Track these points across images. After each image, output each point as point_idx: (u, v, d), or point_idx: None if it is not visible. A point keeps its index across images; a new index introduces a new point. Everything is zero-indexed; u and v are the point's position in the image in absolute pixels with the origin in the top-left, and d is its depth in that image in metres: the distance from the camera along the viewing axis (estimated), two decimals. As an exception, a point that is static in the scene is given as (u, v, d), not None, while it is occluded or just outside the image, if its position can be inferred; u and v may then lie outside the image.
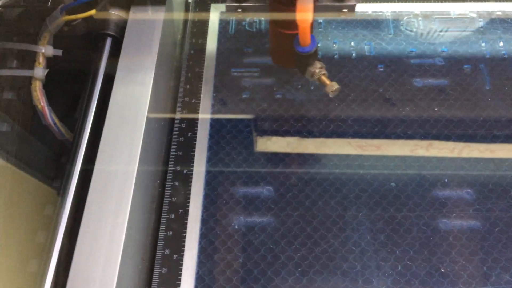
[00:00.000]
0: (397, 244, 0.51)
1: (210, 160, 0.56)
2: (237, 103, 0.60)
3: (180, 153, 0.57)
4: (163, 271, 0.50)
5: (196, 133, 0.58)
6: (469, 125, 0.58)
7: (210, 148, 0.57)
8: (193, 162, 0.56)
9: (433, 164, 0.56)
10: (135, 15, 0.58)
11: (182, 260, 0.50)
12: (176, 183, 0.55)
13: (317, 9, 0.51)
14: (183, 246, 0.51)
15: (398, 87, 0.61)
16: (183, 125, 0.59)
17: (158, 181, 0.55)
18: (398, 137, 0.57)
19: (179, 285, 0.49)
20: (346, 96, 0.60)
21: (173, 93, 0.62)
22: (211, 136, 0.58)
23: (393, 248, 0.51)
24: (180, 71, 0.63)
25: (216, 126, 0.59)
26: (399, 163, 0.56)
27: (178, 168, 0.56)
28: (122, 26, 0.58)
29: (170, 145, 0.58)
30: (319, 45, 0.65)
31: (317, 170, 0.56)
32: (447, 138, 0.57)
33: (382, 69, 0.63)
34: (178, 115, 0.60)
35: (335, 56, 0.64)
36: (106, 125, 0.50)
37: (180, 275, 0.50)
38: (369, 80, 0.62)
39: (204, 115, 0.60)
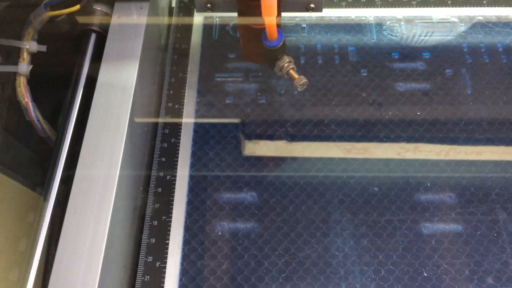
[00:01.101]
0: (380, 249, 0.51)
1: (193, 166, 0.56)
2: (221, 109, 0.60)
3: (164, 159, 0.57)
4: (146, 279, 0.49)
5: (179, 139, 0.58)
6: (451, 129, 0.58)
7: (193, 153, 0.57)
8: (176, 168, 0.56)
9: (416, 168, 0.56)
10: (119, 12, 0.58)
11: (165, 267, 0.50)
12: (159, 190, 0.55)
13: (284, 4, 0.52)
14: (166, 253, 0.51)
15: (382, 91, 0.61)
16: (167, 131, 0.59)
17: (141, 188, 0.55)
18: (384, 140, 0.58)
19: (162, 292, 0.49)
20: (330, 100, 0.61)
21: (157, 98, 0.61)
22: (195, 141, 0.58)
23: (376, 253, 0.51)
24: (164, 76, 0.63)
25: (199, 131, 0.59)
26: (383, 166, 0.56)
27: (162, 174, 0.56)
28: (106, 22, 0.58)
29: (153, 151, 0.57)
30: (302, 49, 0.65)
31: (302, 174, 0.56)
32: (432, 141, 0.57)
33: (365, 74, 0.63)
34: (161, 121, 0.59)
35: (319, 61, 0.64)
36: (88, 130, 0.50)
37: (163, 282, 0.49)
38: (353, 85, 0.62)
39: (188, 120, 0.60)
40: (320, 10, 0.53)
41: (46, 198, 0.49)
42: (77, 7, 0.56)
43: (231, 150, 0.57)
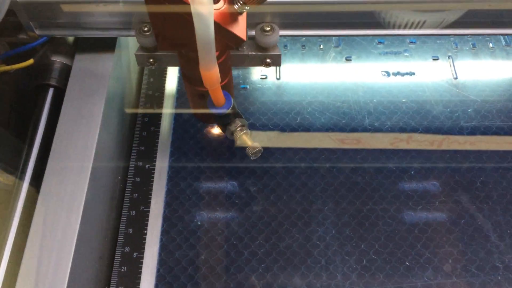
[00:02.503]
0: (363, 238, 0.50)
1: (173, 155, 0.55)
2: (202, 97, 0.59)
3: (142, 148, 0.55)
4: (122, 270, 0.48)
5: (159, 128, 0.57)
6: (437, 117, 0.57)
7: (173, 143, 0.56)
8: (155, 157, 0.55)
9: (400, 156, 0.55)
10: (80, 64, 0.52)
11: (142, 258, 0.49)
12: (138, 179, 0.53)
13: (238, 59, 0.48)
14: (144, 243, 0.50)
15: (367, 78, 0.60)
16: (146, 119, 0.57)
17: (119, 177, 0.53)
18: (376, 130, 0.56)
19: (139, 283, 0.48)
20: (316, 90, 0.59)
21: (136, 86, 0.60)
22: (175, 130, 0.57)
23: (358, 242, 0.50)
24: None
25: (179, 120, 0.57)
26: (366, 155, 0.55)
27: (140, 163, 0.54)
28: (66, 75, 0.52)
29: (132, 140, 0.56)
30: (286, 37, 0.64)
31: (284, 164, 0.55)
32: (427, 130, 0.56)
33: (350, 60, 0.62)
34: (141, 109, 0.58)
35: (302, 51, 0.63)
36: (60, 122, 0.48)
37: (140, 273, 0.48)
38: (338, 71, 0.61)
39: (168, 109, 0.58)
40: (278, 64, 0.48)
41: (18, 190, 0.48)
42: (31, 61, 0.50)
43: (211, 139, 0.56)
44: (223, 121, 0.46)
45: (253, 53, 0.47)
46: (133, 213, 0.51)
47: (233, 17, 0.40)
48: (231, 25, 0.40)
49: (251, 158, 0.47)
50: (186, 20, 0.36)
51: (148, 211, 0.51)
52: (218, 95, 0.43)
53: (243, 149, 0.55)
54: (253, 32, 0.47)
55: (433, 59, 0.62)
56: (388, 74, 0.61)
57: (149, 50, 0.48)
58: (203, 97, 0.45)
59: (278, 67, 0.61)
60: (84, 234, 0.44)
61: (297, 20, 0.49)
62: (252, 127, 0.57)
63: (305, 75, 0.61)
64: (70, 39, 0.55)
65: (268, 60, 0.48)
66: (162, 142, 0.56)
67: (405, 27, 0.50)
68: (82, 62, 0.52)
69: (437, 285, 0.47)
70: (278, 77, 0.61)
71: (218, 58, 0.42)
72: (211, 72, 0.39)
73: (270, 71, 0.61)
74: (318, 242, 0.50)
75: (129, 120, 0.57)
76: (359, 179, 0.53)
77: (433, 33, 0.51)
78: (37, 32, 0.50)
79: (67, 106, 0.49)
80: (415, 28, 0.50)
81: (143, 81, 0.60)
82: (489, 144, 0.55)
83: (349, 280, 0.48)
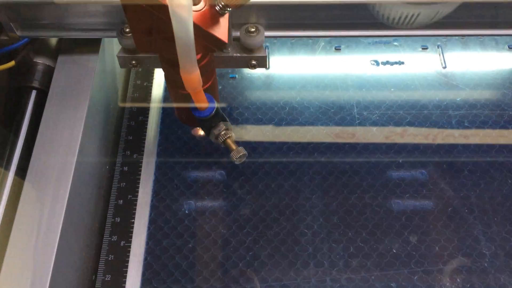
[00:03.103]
0: (350, 226, 0.50)
1: (161, 144, 0.55)
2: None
3: (131, 138, 0.55)
4: (109, 258, 0.48)
5: (147, 117, 0.57)
6: (426, 106, 0.57)
7: (161, 132, 0.56)
8: (143, 147, 0.55)
9: (388, 145, 0.55)
10: (63, 66, 0.50)
11: (129, 246, 0.49)
12: (126, 168, 0.53)
13: (223, 60, 0.47)
14: (131, 232, 0.50)
15: (356, 68, 0.60)
16: (134, 109, 0.57)
17: (107, 166, 0.53)
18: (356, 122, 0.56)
19: (126, 271, 0.48)
20: (306, 80, 0.59)
21: (125, 75, 0.60)
22: (163, 120, 0.57)
23: (346, 230, 0.50)
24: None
25: (168, 110, 0.57)
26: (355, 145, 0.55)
27: (128, 153, 0.54)
28: (49, 77, 0.51)
29: (120, 130, 0.56)
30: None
31: (272, 152, 0.55)
32: (421, 123, 0.56)
33: (339, 50, 0.62)
34: (129, 99, 0.58)
35: (292, 40, 0.63)
36: (42, 126, 0.47)
37: (128, 261, 0.48)
38: (327, 60, 0.61)
39: (157, 99, 0.58)
40: (264, 66, 0.47)
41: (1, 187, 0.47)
42: (12, 63, 0.49)
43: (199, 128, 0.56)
44: (207, 124, 0.45)
45: (238, 55, 0.47)
46: (121, 202, 0.51)
47: (214, 18, 0.39)
48: (212, 27, 0.39)
49: (236, 162, 0.46)
50: (165, 22, 0.35)
51: (136, 200, 0.51)
52: (200, 98, 0.42)
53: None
54: (238, 33, 0.46)
55: (422, 49, 0.62)
56: (377, 63, 0.61)
57: (131, 52, 0.47)
58: (186, 100, 0.43)
59: (267, 57, 0.61)
60: (70, 222, 0.44)
61: (283, 21, 0.48)
62: (241, 116, 0.57)
63: (294, 64, 0.61)
64: (53, 40, 0.54)
65: (254, 62, 0.47)
66: (150, 132, 0.56)
67: (398, 20, 0.50)
68: (66, 64, 0.51)
69: (424, 272, 0.48)
70: (267, 66, 0.61)
71: (200, 60, 0.41)
72: (192, 76, 0.38)
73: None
74: (305, 230, 0.50)
75: (116, 114, 0.57)
76: (347, 168, 0.53)
77: (425, 34, 0.50)
78: (18, 33, 0.48)
79: (50, 109, 0.48)
80: (409, 21, 0.50)
81: (130, 79, 0.60)
82: (483, 137, 0.55)
83: (336, 268, 0.48)
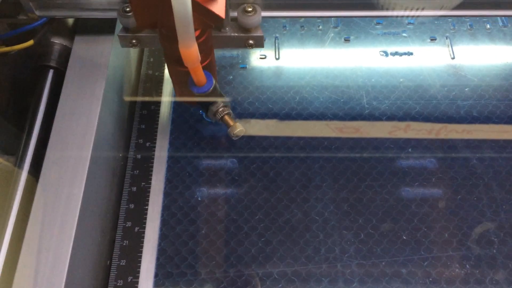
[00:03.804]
0: (360, 213, 0.51)
1: (173, 133, 0.56)
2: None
3: (143, 126, 0.56)
4: (124, 244, 0.49)
5: (159, 106, 0.57)
6: (434, 96, 0.58)
7: (173, 120, 0.56)
8: (156, 135, 0.55)
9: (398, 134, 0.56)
10: (80, 46, 0.52)
11: (143, 232, 0.50)
12: (139, 156, 0.54)
13: (221, 40, 0.48)
14: (145, 218, 0.50)
15: (365, 58, 0.61)
16: (147, 98, 0.58)
17: (120, 154, 0.54)
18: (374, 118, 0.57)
19: (140, 257, 0.48)
20: (315, 70, 0.60)
21: (136, 68, 0.61)
22: (175, 108, 0.57)
23: (356, 217, 0.51)
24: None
25: (180, 99, 0.58)
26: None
27: (141, 141, 0.55)
28: (66, 57, 0.52)
29: (133, 118, 0.57)
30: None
31: (282, 140, 0.55)
32: (424, 118, 0.57)
33: (349, 41, 0.62)
34: (141, 88, 0.58)
35: (301, 31, 0.63)
36: (61, 103, 0.48)
37: (142, 247, 0.49)
38: (337, 51, 0.61)
39: (168, 88, 0.59)
40: (261, 46, 0.48)
41: (19, 169, 0.48)
42: (31, 42, 0.50)
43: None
44: (206, 101, 0.46)
45: (235, 34, 0.48)
46: (134, 189, 0.52)
47: None
48: (210, 3, 0.40)
49: (233, 138, 0.47)
50: None
51: (149, 187, 0.52)
52: (198, 74, 0.43)
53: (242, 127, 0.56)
54: (236, 14, 0.47)
55: (431, 40, 0.62)
56: (386, 54, 0.61)
57: (131, 31, 0.48)
58: (185, 78, 0.44)
59: (277, 47, 0.62)
60: (87, 208, 0.45)
61: (281, 1, 0.48)
62: (252, 105, 0.57)
63: (303, 55, 0.61)
64: (70, 20, 0.55)
65: (251, 42, 0.48)
66: (162, 120, 0.56)
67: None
68: (82, 44, 0.52)
69: (433, 259, 0.48)
70: (277, 57, 0.61)
71: (198, 37, 0.43)
72: (190, 50, 0.39)
73: (269, 51, 0.62)
74: (316, 217, 0.51)
75: (129, 99, 0.58)
76: (357, 156, 0.54)
77: (432, 14, 0.51)
78: (37, 13, 0.50)
79: (67, 87, 0.49)
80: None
81: (143, 62, 0.60)
82: (487, 133, 0.56)
83: (347, 254, 0.49)
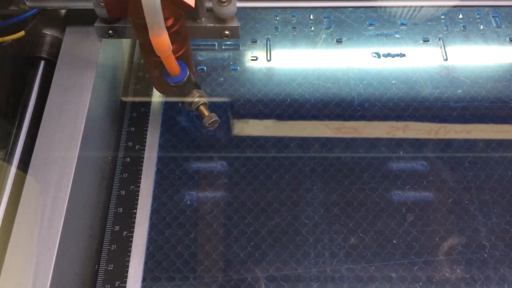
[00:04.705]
0: (350, 217, 0.50)
1: (163, 136, 0.55)
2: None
3: (133, 129, 0.56)
4: (112, 248, 0.49)
5: (149, 108, 0.57)
6: (427, 98, 0.57)
7: (163, 123, 0.56)
8: (145, 138, 0.55)
9: (389, 137, 0.55)
10: (71, 37, 0.52)
11: (132, 236, 0.49)
12: (128, 160, 0.54)
13: (196, 31, 0.48)
14: (134, 222, 0.50)
15: (358, 60, 0.60)
16: (136, 101, 0.58)
17: (110, 157, 0.54)
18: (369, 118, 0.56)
19: (128, 261, 0.48)
20: (307, 71, 0.60)
21: (128, 60, 0.60)
22: (165, 111, 0.57)
23: (346, 221, 0.50)
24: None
25: (170, 101, 0.57)
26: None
27: (130, 144, 0.55)
28: (57, 48, 0.52)
29: (122, 121, 0.56)
30: (277, 18, 0.64)
31: (273, 143, 0.55)
32: (423, 118, 0.56)
33: (341, 42, 0.62)
34: (131, 91, 0.58)
35: (293, 32, 0.63)
36: (51, 94, 0.48)
37: (130, 251, 0.49)
38: (329, 52, 0.61)
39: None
40: (237, 37, 0.48)
41: (8, 163, 0.48)
42: (22, 33, 0.50)
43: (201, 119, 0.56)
44: (181, 92, 0.46)
45: (211, 25, 0.48)
46: (123, 192, 0.52)
47: None
48: None
49: (208, 128, 0.47)
50: None
51: (138, 191, 0.52)
52: (171, 63, 0.43)
53: (231, 129, 0.56)
54: (211, 4, 0.47)
55: (424, 41, 0.62)
56: (378, 55, 0.61)
57: (108, 22, 0.48)
58: (160, 67, 0.44)
59: (269, 49, 0.61)
60: (73, 211, 0.44)
61: None
62: (243, 107, 0.57)
63: (295, 56, 0.61)
64: (62, 11, 0.55)
65: (227, 32, 0.48)
66: (152, 123, 0.56)
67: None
68: (73, 35, 0.52)
69: (424, 263, 0.48)
70: (268, 58, 0.61)
71: (171, 27, 0.43)
72: (160, 38, 0.39)
73: (261, 52, 0.61)
74: (306, 221, 0.50)
75: (120, 94, 0.57)
76: (348, 159, 0.54)
77: (434, 4, 0.50)
78: (28, 3, 0.50)
79: (58, 78, 0.49)
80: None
81: (135, 51, 0.60)
82: (485, 133, 0.55)
83: (337, 258, 0.48)
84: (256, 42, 0.62)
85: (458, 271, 0.47)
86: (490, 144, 0.54)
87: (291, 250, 0.49)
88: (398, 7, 0.59)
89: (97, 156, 0.51)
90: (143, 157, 0.54)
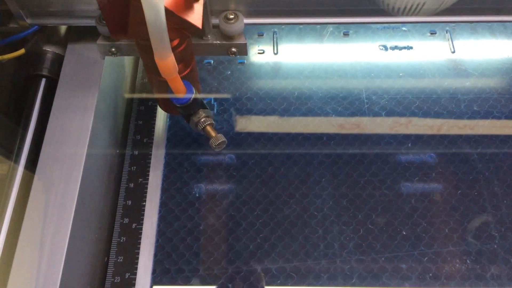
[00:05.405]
0: (360, 209, 0.50)
1: (171, 129, 0.55)
2: (200, 72, 0.59)
3: (140, 122, 0.56)
4: (121, 240, 0.49)
5: (156, 102, 0.57)
6: (435, 90, 0.57)
7: (171, 117, 0.56)
8: (153, 131, 0.55)
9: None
10: (72, 54, 0.51)
11: (141, 228, 0.49)
12: (136, 152, 0.54)
13: (202, 48, 0.47)
14: (143, 215, 0.50)
15: (365, 53, 0.60)
16: (143, 96, 0.58)
17: (118, 151, 0.54)
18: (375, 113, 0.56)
19: (138, 253, 0.48)
20: (314, 64, 0.59)
21: (132, 75, 0.60)
22: (173, 104, 0.57)
23: (355, 213, 0.50)
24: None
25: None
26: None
27: (138, 137, 0.55)
28: (58, 65, 0.51)
29: (130, 115, 0.56)
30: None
31: (281, 136, 0.55)
32: (425, 113, 0.56)
33: (348, 35, 0.62)
34: (138, 85, 0.58)
35: (300, 26, 0.63)
36: (53, 112, 0.47)
37: (139, 243, 0.49)
38: (336, 45, 0.61)
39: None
40: (245, 54, 0.47)
41: (12, 177, 0.48)
42: (22, 51, 0.49)
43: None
44: (187, 112, 0.45)
45: (218, 42, 0.46)
46: (132, 185, 0.52)
47: (187, 4, 0.39)
48: (185, 13, 0.38)
49: (215, 150, 0.46)
50: (137, 7, 0.34)
51: (147, 184, 0.52)
52: (177, 84, 0.41)
53: (240, 123, 0.56)
54: (217, 21, 0.46)
55: (431, 34, 0.62)
56: (385, 48, 0.61)
57: (110, 40, 0.47)
58: (165, 87, 0.43)
59: (275, 42, 0.61)
60: (83, 205, 0.44)
61: (263, 8, 0.47)
62: (250, 101, 0.57)
63: (302, 49, 0.61)
64: (63, 28, 0.54)
65: (234, 49, 0.47)
66: (160, 116, 0.56)
67: (403, 10, 0.49)
68: (75, 52, 0.51)
69: (434, 254, 0.48)
70: (275, 51, 0.61)
71: (177, 46, 0.42)
72: (166, 61, 0.38)
73: (268, 45, 0.61)
74: (315, 213, 0.50)
75: (126, 101, 0.57)
76: (356, 151, 0.53)
77: (431, 20, 0.50)
78: (28, 21, 0.49)
79: (60, 97, 0.48)
80: (414, 10, 0.49)
81: (138, 69, 0.60)
82: (489, 128, 0.55)
83: (346, 250, 0.48)
84: (262, 35, 0.62)
85: (468, 261, 0.47)
86: (498, 137, 0.54)
87: (300, 242, 0.49)
88: (406, 22, 0.58)
89: (105, 150, 0.51)
90: (151, 150, 0.54)
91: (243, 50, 0.47)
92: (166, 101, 0.48)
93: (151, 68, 0.43)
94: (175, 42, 0.41)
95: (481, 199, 0.51)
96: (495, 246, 0.48)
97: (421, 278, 0.47)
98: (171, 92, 0.42)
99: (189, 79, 0.44)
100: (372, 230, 0.49)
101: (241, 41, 0.46)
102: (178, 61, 0.39)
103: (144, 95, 0.58)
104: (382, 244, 0.48)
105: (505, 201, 0.50)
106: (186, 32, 0.40)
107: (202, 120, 0.45)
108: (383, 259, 0.48)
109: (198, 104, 0.45)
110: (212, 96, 0.57)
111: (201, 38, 0.46)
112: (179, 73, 0.41)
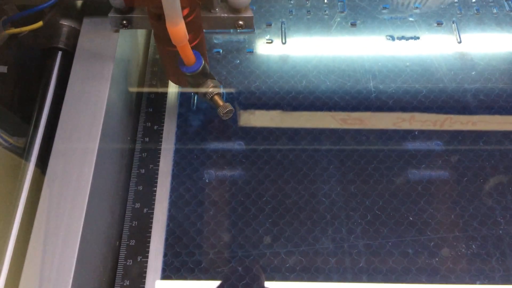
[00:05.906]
0: (367, 195, 0.51)
1: (180, 116, 0.56)
2: (209, 61, 0.60)
3: (151, 110, 0.56)
4: (133, 224, 0.50)
5: (166, 89, 0.58)
6: (441, 79, 0.58)
7: (180, 104, 0.57)
8: (163, 118, 0.56)
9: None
10: (88, 27, 0.52)
11: (152, 213, 0.50)
12: (147, 139, 0.55)
13: (210, 21, 0.48)
14: (154, 200, 0.51)
15: (372, 43, 0.61)
16: (154, 82, 0.58)
17: (129, 137, 0.54)
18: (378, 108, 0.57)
19: (149, 237, 0.49)
20: (322, 54, 0.60)
21: (144, 50, 0.61)
22: (182, 92, 0.58)
23: (363, 199, 0.51)
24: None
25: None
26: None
27: (149, 124, 0.55)
28: (75, 39, 0.53)
29: (140, 102, 0.57)
30: (291, 2, 0.64)
31: (289, 125, 0.56)
32: (428, 108, 0.57)
33: (355, 25, 0.62)
34: (148, 73, 0.59)
35: (308, 16, 0.63)
36: (70, 83, 0.49)
37: (151, 228, 0.49)
38: (343, 35, 0.61)
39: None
40: (251, 27, 0.49)
41: (31, 145, 0.49)
42: (40, 23, 0.50)
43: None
44: (196, 82, 0.46)
45: (225, 15, 0.48)
46: (143, 171, 0.53)
47: None
48: None
49: (223, 118, 0.48)
50: None
51: (157, 170, 0.53)
52: (187, 52, 0.43)
53: (249, 111, 0.57)
54: None
55: (438, 24, 0.62)
56: (392, 38, 0.61)
57: (122, 12, 0.48)
58: (174, 57, 0.45)
59: (284, 32, 0.62)
60: (96, 189, 0.45)
61: None
62: (259, 89, 0.58)
63: (310, 39, 0.62)
64: (79, 2, 0.55)
65: (240, 22, 0.48)
66: (170, 103, 0.57)
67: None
68: (90, 25, 0.52)
69: (440, 239, 0.49)
70: (283, 41, 0.61)
71: (187, 16, 0.43)
72: (177, 28, 0.39)
73: (276, 35, 0.62)
74: (323, 199, 0.51)
75: (137, 81, 0.58)
76: (363, 139, 0.54)
77: None
78: None
79: (76, 69, 0.50)
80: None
81: (150, 44, 0.61)
82: (491, 124, 0.56)
83: (354, 234, 0.49)
84: (271, 25, 0.63)
85: (473, 247, 0.48)
86: (504, 125, 0.55)
87: (308, 227, 0.50)
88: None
89: (117, 136, 0.51)
90: (161, 137, 0.54)
91: (249, 23, 0.49)
92: (175, 72, 0.49)
93: (162, 39, 0.45)
94: (186, 11, 0.43)
95: (487, 186, 0.51)
96: (500, 231, 0.49)
97: (427, 262, 0.48)
98: (181, 61, 0.44)
99: (198, 49, 0.46)
100: (379, 216, 0.50)
101: (247, 14, 0.48)
102: (188, 31, 0.41)
103: (155, 69, 0.59)
104: (389, 229, 0.49)
105: (510, 188, 0.51)
106: (197, 0, 0.42)
107: (211, 89, 0.47)
108: (390, 244, 0.49)
109: (206, 74, 0.46)
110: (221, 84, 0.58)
111: (209, 11, 0.48)
112: (189, 43, 0.43)
